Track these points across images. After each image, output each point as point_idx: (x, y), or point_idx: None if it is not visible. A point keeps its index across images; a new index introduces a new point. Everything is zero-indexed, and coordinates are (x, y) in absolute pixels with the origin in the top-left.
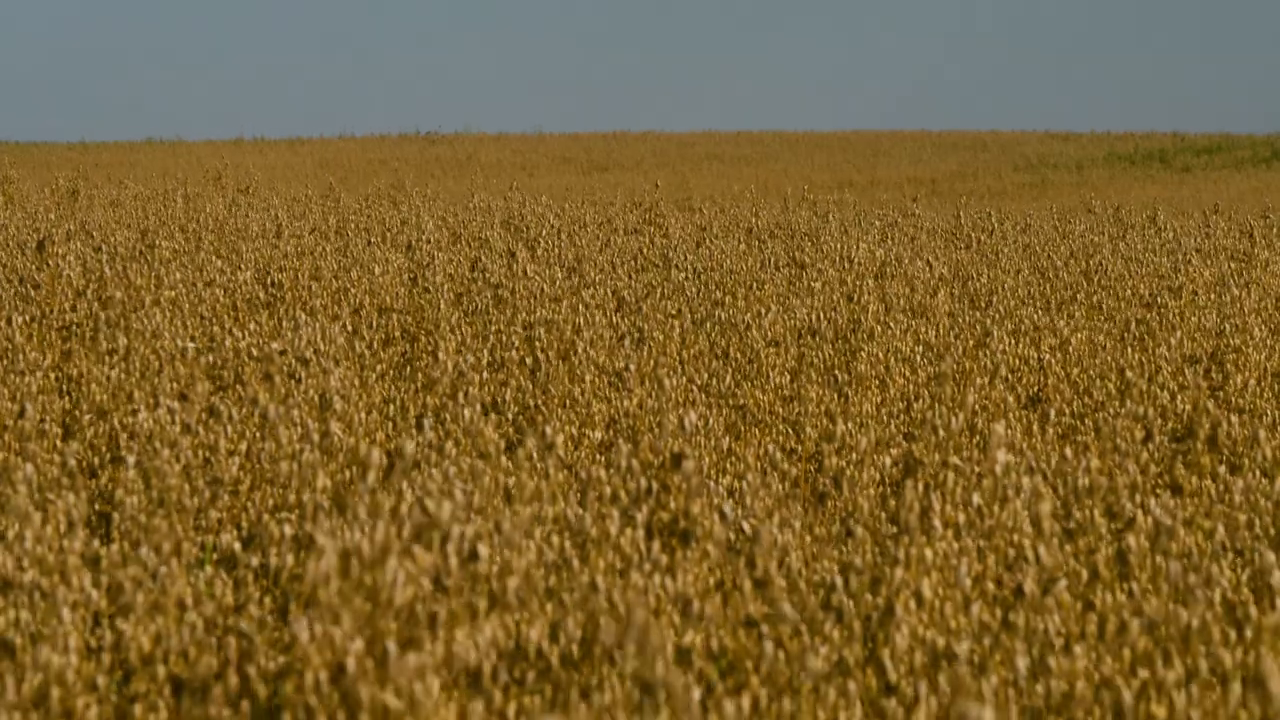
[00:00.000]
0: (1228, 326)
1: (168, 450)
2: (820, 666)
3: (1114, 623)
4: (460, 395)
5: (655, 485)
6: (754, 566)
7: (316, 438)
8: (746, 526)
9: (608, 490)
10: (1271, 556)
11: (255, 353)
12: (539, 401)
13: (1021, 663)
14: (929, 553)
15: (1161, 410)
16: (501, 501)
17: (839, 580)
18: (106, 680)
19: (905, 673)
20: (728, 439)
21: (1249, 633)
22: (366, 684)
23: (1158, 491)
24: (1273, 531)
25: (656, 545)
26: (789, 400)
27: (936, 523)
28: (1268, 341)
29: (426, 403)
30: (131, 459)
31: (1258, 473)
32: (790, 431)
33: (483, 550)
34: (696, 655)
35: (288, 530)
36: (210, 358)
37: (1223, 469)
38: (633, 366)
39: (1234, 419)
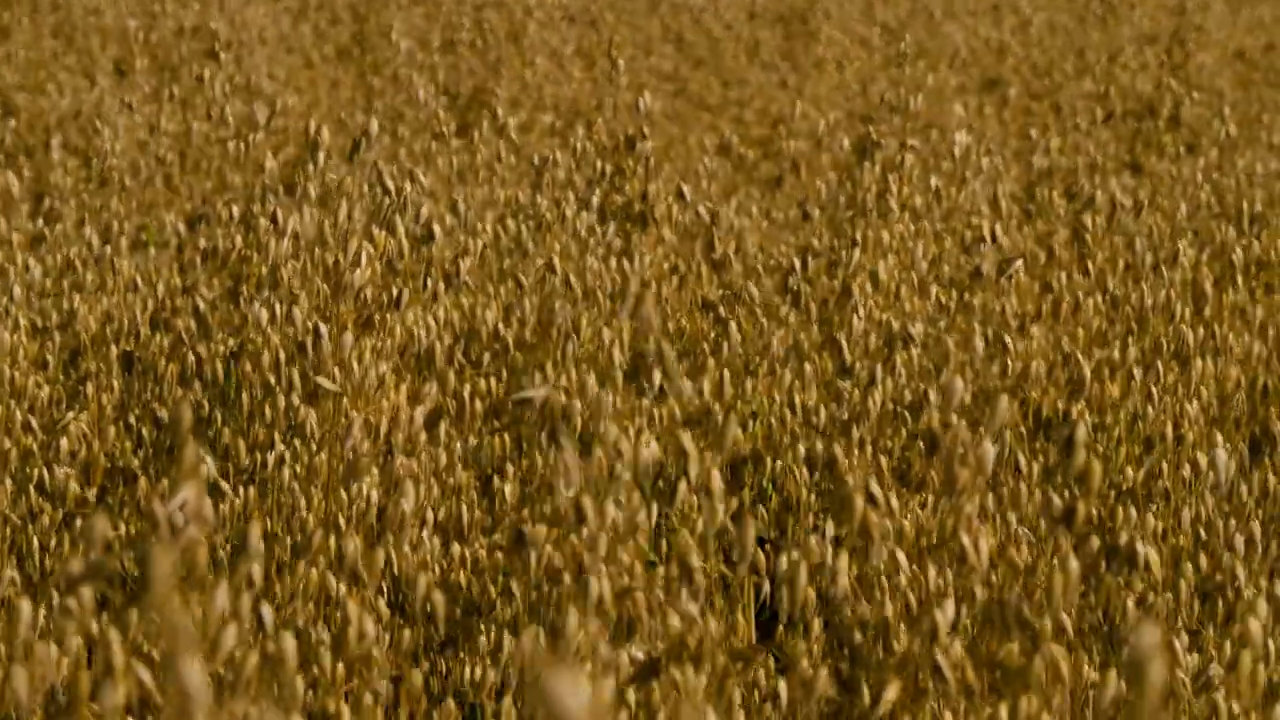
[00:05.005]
0: (1189, 4)
1: (108, 130)
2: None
3: (1069, 302)
4: (411, 77)
5: (609, 168)
6: (711, 249)
7: (261, 119)
8: (702, 210)
9: (561, 174)
10: (1232, 233)
11: (197, 30)
12: (490, 84)
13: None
14: (886, 235)
15: (1122, 91)
16: (455, 183)
17: (796, 263)
18: (55, 360)
19: (861, 355)
20: (680, 125)
21: (1209, 311)
22: (311, 364)
23: (1117, 171)
24: (1232, 210)
25: (612, 228)
26: (744, 84)
27: (894, 204)
28: (1230, 20)
29: (375, 85)
30: (71, 137)
31: (1216, 151)
32: (746, 115)
33: (437, 231)
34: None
35: (235, 211)
36: (150, 35)
37: (1183, 149)
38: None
39: (1195, 96)
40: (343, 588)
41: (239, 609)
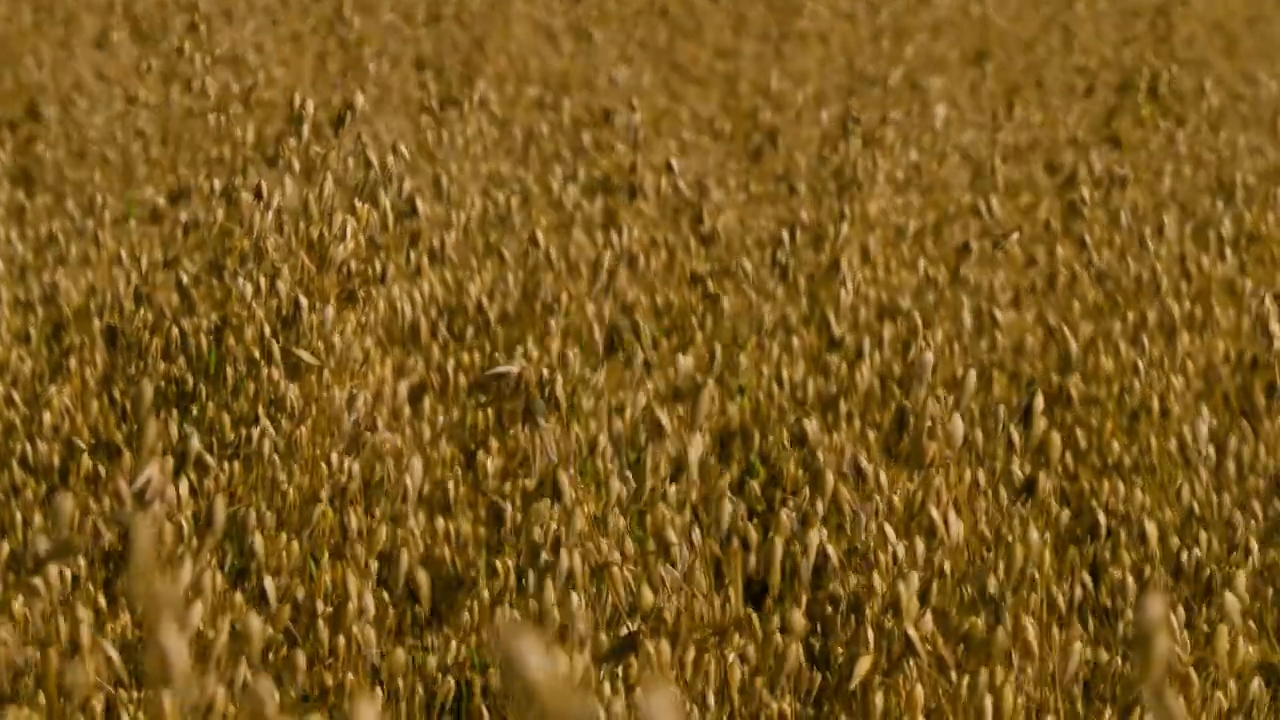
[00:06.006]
0: None
1: (86, 102)
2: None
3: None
4: (395, 52)
5: (591, 142)
6: (699, 222)
7: (242, 91)
8: (683, 185)
9: (545, 148)
10: (1219, 206)
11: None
12: (475, 57)
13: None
14: (873, 208)
15: (1106, 63)
16: (439, 157)
17: (785, 236)
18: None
19: (849, 329)
20: (667, 97)
21: (1196, 284)
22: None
23: (1099, 144)
24: (1217, 183)
25: (598, 203)
26: (728, 57)
27: (877, 177)
28: None
29: (360, 58)
30: (51, 111)
31: (1204, 125)
32: (729, 89)
33: (421, 205)
34: (641, 312)
35: (217, 184)
36: (132, 6)
37: (1168, 122)
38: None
39: (1175, 68)
40: (328, 560)
41: (201, 584)
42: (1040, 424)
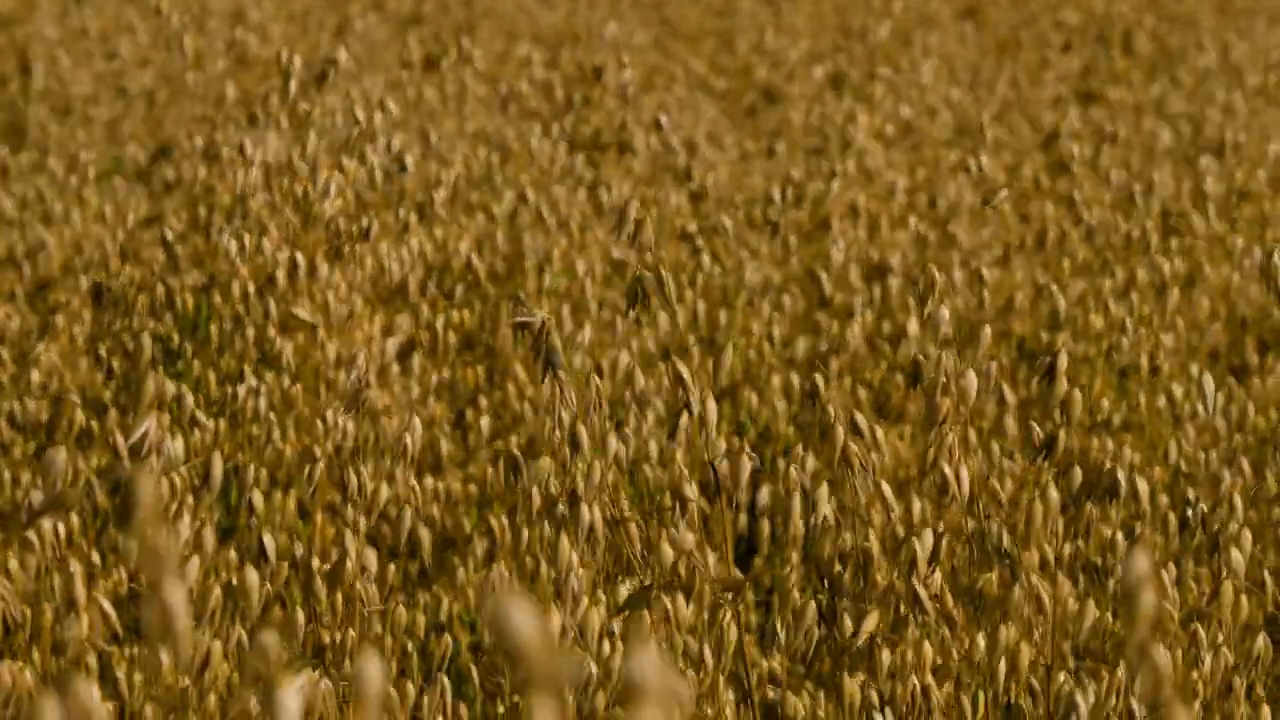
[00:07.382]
0: None
1: (73, 59)
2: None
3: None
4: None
5: (579, 98)
6: (688, 179)
7: (226, 48)
8: (675, 141)
9: (531, 104)
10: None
11: None
12: (466, 14)
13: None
14: (852, 166)
15: (1097, 20)
16: (428, 114)
17: (776, 193)
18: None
19: (839, 287)
20: (662, 55)
21: (1186, 241)
22: (284, 297)
23: (1088, 101)
24: (1211, 140)
25: (581, 159)
26: (720, 15)
27: (864, 136)
28: None
29: (347, 14)
30: (39, 67)
31: (1191, 82)
32: (722, 46)
33: (409, 162)
34: (631, 270)
35: (202, 141)
36: None
37: (1159, 78)
38: None
39: (1166, 25)
40: (321, 518)
41: (202, 540)
42: (1062, 384)
